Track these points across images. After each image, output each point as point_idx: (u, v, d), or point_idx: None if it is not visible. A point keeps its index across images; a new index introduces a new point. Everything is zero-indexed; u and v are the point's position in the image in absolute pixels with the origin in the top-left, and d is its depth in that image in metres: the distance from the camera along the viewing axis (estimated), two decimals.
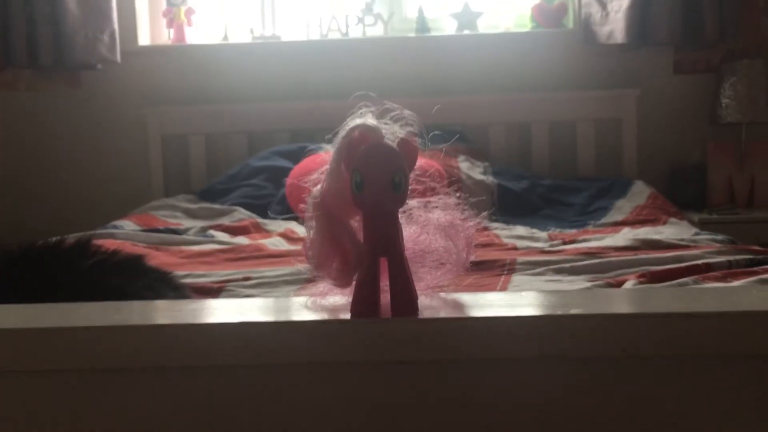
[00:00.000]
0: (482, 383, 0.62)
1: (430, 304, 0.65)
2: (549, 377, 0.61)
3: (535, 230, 2.07)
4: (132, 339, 0.62)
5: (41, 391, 0.63)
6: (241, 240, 2.02)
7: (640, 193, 2.38)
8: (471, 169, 2.44)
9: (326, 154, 0.65)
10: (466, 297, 0.67)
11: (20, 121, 2.88)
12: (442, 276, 0.68)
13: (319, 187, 0.64)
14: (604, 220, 2.18)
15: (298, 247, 1.88)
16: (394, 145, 0.62)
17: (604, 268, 1.49)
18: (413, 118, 0.64)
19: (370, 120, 0.62)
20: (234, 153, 2.79)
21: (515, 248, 1.82)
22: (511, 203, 2.33)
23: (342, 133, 0.62)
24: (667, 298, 0.65)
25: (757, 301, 0.62)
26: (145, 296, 0.95)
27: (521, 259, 1.61)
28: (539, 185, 2.48)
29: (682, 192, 2.66)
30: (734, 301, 0.63)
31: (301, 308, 0.66)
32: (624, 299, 0.69)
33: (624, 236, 1.88)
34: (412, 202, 0.67)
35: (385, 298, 0.64)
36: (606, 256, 1.60)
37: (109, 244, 1.43)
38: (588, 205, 2.39)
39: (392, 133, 0.63)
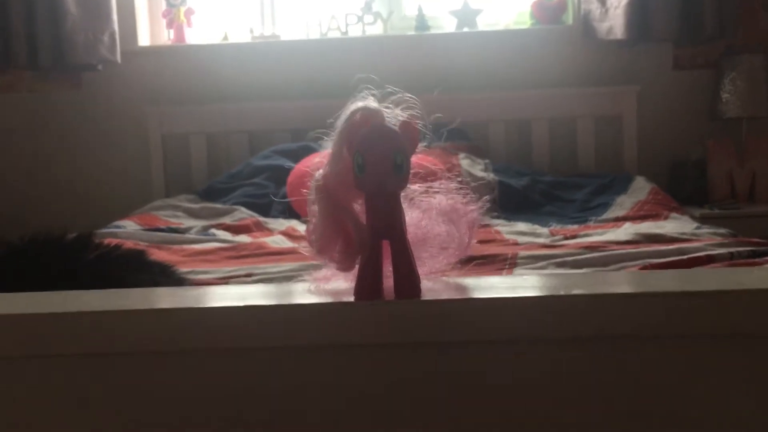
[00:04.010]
0: (485, 364, 0.62)
1: (432, 287, 0.65)
2: (552, 357, 0.61)
3: (536, 226, 2.07)
4: (135, 323, 0.62)
5: (46, 376, 0.63)
6: (243, 238, 2.02)
7: (641, 188, 2.38)
8: (472, 167, 2.44)
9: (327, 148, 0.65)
10: (468, 280, 0.67)
11: (21, 122, 2.89)
12: (444, 260, 0.68)
13: (321, 170, 0.64)
14: (605, 216, 2.18)
15: (300, 245, 1.88)
16: (396, 127, 0.62)
17: (606, 262, 1.50)
18: (414, 102, 0.65)
19: (372, 103, 0.62)
20: (235, 152, 2.79)
21: (516, 244, 1.82)
22: (512, 200, 2.34)
23: (343, 116, 0.62)
24: (668, 279, 0.65)
25: (758, 281, 0.62)
26: None
27: (523, 253, 1.61)
28: (540, 182, 2.49)
29: (682, 187, 2.66)
30: (735, 280, 0.63)
31: (305, 292, 0.66)
32: (625, 280, 0.69)
33: (625, 231, 1.88)
34: (414, 187, 0.67)
35: (388, 282, 0.65)
36: (608, 250, 1.60)
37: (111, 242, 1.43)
38: (589, 201, 2.39)
39: (394, 116, 0.64)
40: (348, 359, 0.63)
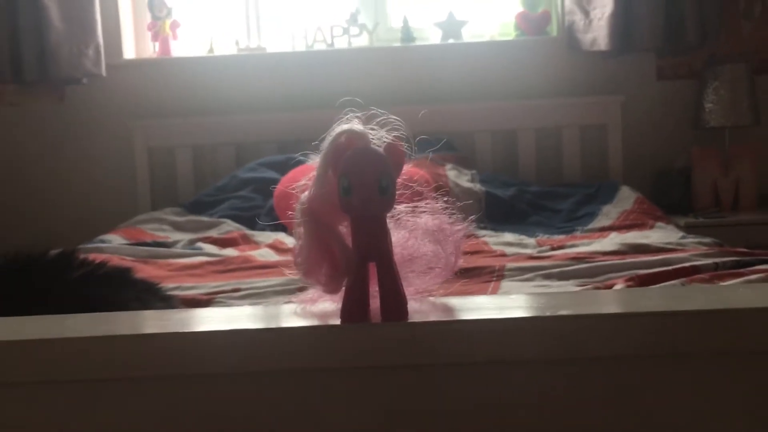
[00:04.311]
0: (473, 386, 0.62)
1: (419, 308, 0.65)
2: (540, 379, 0.61)
3: (523, 237, 2.08)
4: (120, 349, 0.62)
5: (29, 404, 0.62)
6: (230, 252, 2.01)
7: (626, 198, 2.40)
8: (458, 177, 2.45)
9: (314, 163, 0.64)
10: (455, 301, 0.67)
11: (4, 135, 2.87)
12: (431, 280, 0.68)
13: (306, 193, 0.64)
14: (591, 226, 2.19)
15: (287, 258, 1.87)
16: (381, 149, 0.62)
17: (592, 273, 1.50)
18: (399, 123, 0.65)
19: (357, 125, 0.62)
20: (221, 165, 2.78)
21: (504, 255, 1.83)
22: (499, 210, 2.34)
23: (329, 138, 0.62)
24: (655, 298, 0.65)
25: (743, 299, 0.63)
26: (132, 307, 0.94)
27: (510, 265, 1.61)
28: (527, 192, 2.50)
29: (667, 196, 2.68)
30: (721, 299, 0.63)
31: (291, 315, 0.65)
32: (612, 300, 0.69)
33: (611, 241, 1.89)
34: (400, 207, 0.67)
35: (375, 303, 0.64)
36: (594, 261, 1.60)
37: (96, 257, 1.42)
38: (575, 210, 2.40)
39: (379, 138, 0.63)
40: (335, 382, 0.62)
